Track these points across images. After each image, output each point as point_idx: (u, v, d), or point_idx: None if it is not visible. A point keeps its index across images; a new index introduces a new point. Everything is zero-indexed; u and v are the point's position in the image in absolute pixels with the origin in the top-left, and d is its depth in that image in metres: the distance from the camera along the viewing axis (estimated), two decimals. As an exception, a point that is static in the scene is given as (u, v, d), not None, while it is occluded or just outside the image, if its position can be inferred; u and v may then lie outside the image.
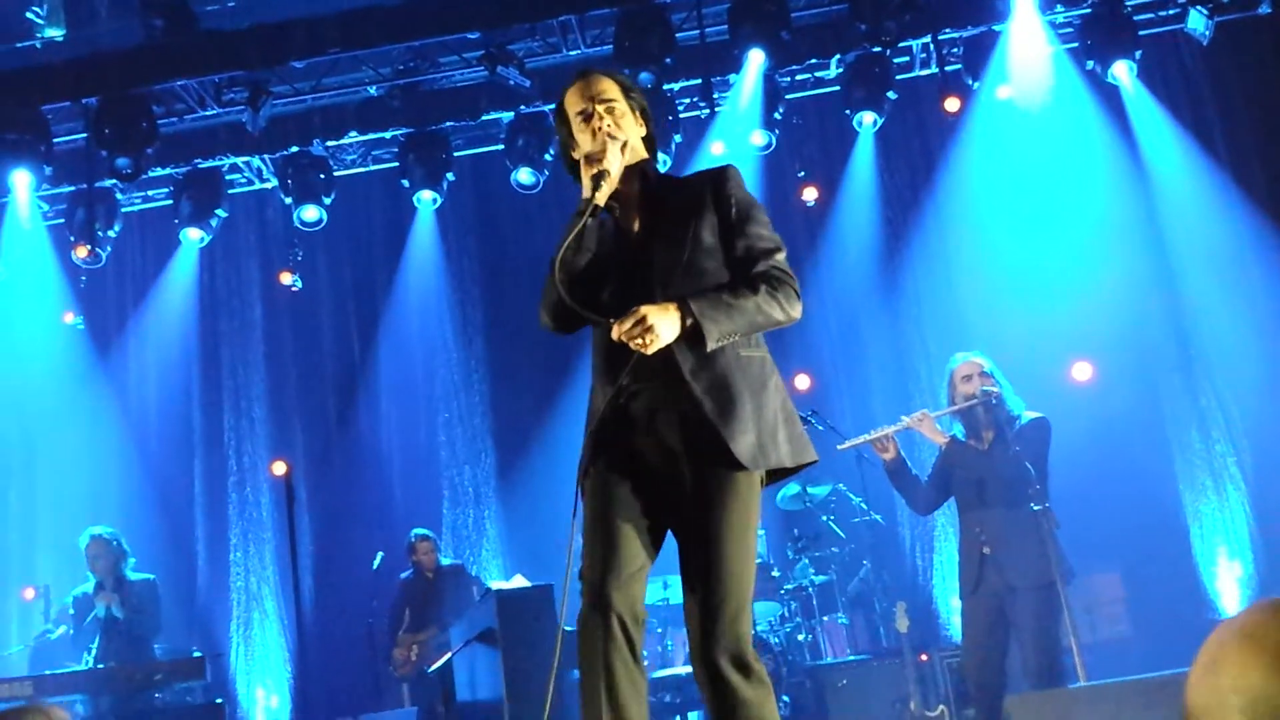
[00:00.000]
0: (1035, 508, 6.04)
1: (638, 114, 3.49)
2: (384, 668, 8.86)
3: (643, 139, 3.49)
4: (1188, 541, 9.17)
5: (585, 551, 3.20)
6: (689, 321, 3.09)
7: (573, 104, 3.46)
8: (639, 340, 3.05)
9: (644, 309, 3.06)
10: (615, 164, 3.30)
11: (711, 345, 3.11)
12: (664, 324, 3.06)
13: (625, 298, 3.21)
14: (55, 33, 8.46)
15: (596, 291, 3.33)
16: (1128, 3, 8.84)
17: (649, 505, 3.22)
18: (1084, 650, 6.16)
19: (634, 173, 3.41)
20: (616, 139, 3.34)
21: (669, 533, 3.27)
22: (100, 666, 7.60)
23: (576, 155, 3.44)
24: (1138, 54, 8.76)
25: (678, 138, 8.98)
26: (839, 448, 6.77)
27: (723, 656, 3.08)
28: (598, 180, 3.25)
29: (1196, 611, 8.88)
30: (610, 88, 3.46)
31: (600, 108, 3.40)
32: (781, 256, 3.34)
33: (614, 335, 3.08)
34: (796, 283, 3.31)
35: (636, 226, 3.40)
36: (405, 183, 9.38)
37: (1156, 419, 9.36)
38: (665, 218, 3.36)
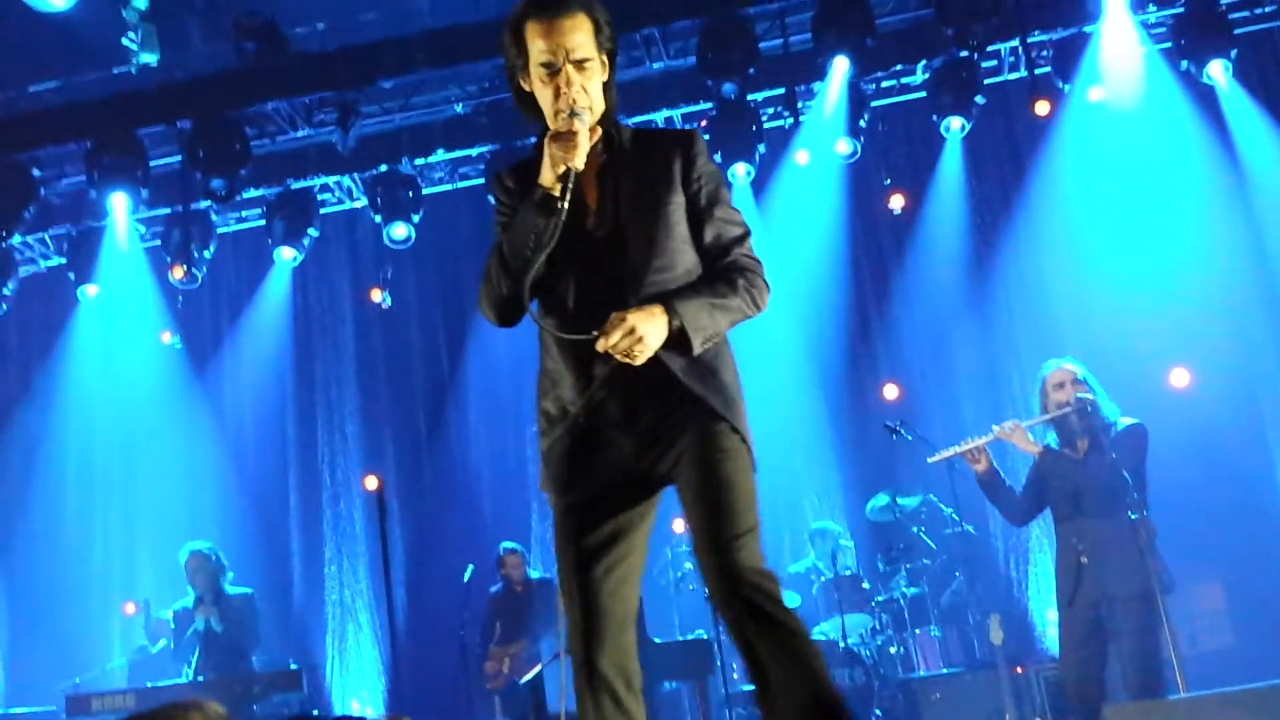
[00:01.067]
0: (1133, 516, 5.92)
1: (604, 59, 3.10)
2: (476, 680, 8.92)
3: (604, 84, 3.11)
4: (1291, 551, 8.91)
5: (566, 613, 3.05)
6: (675, 324, 2.92)
7: (537, 47, 3.02)
8: (630, 353, 2.87)
9: (631, 318, 2.86)
10: (583, 155, 2.96)
11: (697, 350, 2.96)
12: (653, 333, 2.88)
13: (591, 296, 3.00)
14: (150, 58, 8.62)
15: (551, 281, 3.05)
16: (1222, 0, 8.65)
17: (629, 513, 3.06)
18: (1184, 662, 6.03)
19: (595, 135, 3.07)
20: (583, 117, 2.98)
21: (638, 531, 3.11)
22: (200, 679, 7.76)
23: (527, 86, 3.11)
24: (1233, 53, 8.56)
25: (762, 148, 8.93)
26: (930, 460, 6.70)
27: (750, 590, 2.84)
28: (565, 180, 2.92)
29: (1301, 623, 8.64)
30: (585, 39, 3.02)
31: (571, 67, 3.01)
32: (750, 242, 3.14)
33: (600, 348, 2.88)
34: (764, 269, 3.14)
35: (594, 202, 3.08)
36: (492, 199, 9.43)
37: (1257, 425, 9.12)
38: (630, 195, 3.07)
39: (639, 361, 2.89)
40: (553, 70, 3.00)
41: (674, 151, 3.11)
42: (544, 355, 3.15)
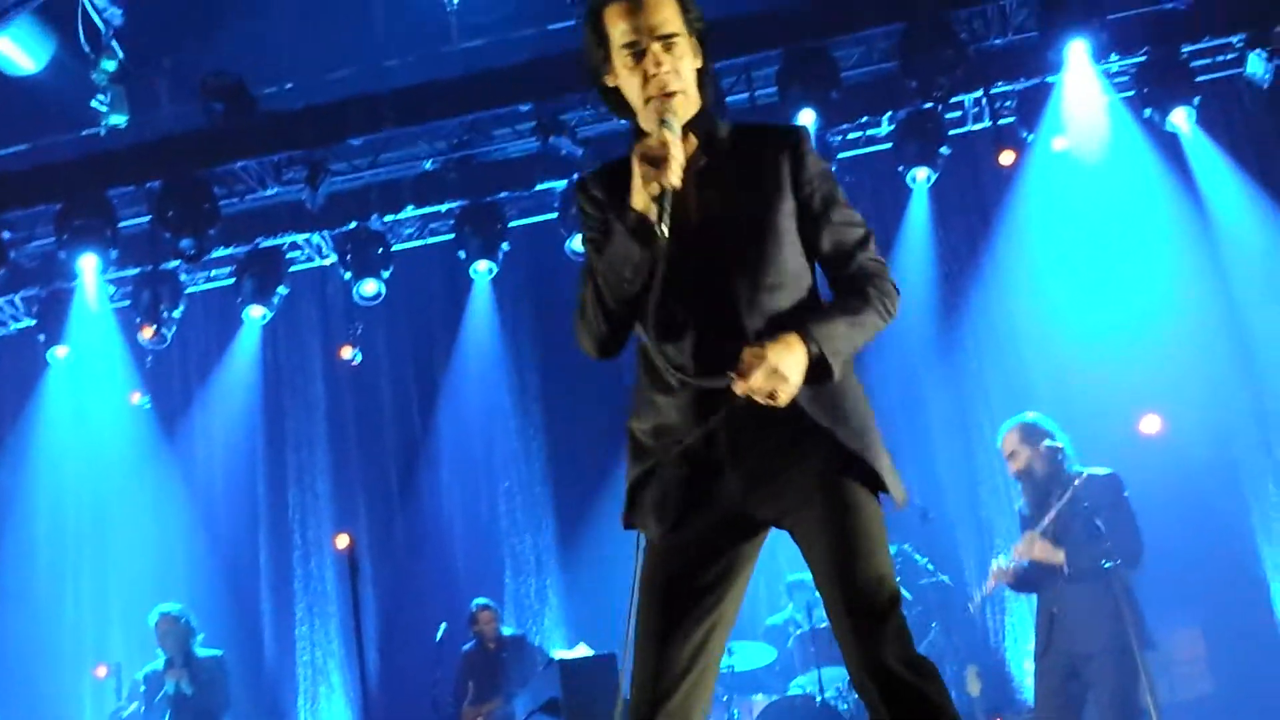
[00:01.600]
0: (1106, 565, 5.90)
1: (696, 41, 2.76)
2: (450, 741, 8.82)
3: (698, 71, 2.76)
4: (1268, 596, 8.90)
5: (635, 662, 2.71)
6: (814, 350, 2.58)
7: (619, 30, 2.71)
8: (773, 395, 2.53)
9: (772, 356, 2.52)
10: (679, 172, 2.59)
11: (838, 376, 2.64)
12: (796, 369, 2.54)
13: (701, 320, 2.68)
14: (119, 120, 8.65)
15: (654, 304, 2.67)
16: (1184, 49, 8.71)
17: (733, 556, 2.74)
18: (1163, 711, 6.00)
19: (690, 133, 2.71)
20: (672, 125, 2.62)
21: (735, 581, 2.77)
22: (169, 744, 7.67)
23: (612, 82, 2.78)
24: (1196, 100, 8.63)
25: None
26: (972, 609, 6.71)
27: (894, 661, 2.53)
28: (661, 202, 2.56)
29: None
30: (670, 15, 2.70)
31: (657, 45, 2.68)
32: (873, 244, 2.81)
33: (740, 391, 2.54)
34: (890, 271, 2.83)
35: (695, 212, 2.70)
36: (461, 254, 9.46)
37: (1230, 470, 9.12)
38: (736, 204, 2.73)
39: (783, 402, 2.55)
40: (637, 52, 2.68)
41: (782, 152, 2.77)
42: (642, 378, 2.80)
